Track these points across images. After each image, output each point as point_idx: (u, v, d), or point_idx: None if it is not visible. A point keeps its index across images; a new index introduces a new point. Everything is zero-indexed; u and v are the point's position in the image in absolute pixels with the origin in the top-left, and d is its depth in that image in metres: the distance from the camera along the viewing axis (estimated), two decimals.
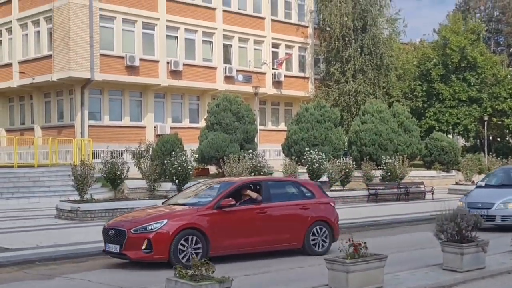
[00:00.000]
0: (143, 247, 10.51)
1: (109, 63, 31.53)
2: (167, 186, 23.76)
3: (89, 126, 31.27)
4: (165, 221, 10.79)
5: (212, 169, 30.18)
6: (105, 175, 22.14)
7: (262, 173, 25.96)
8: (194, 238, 10.82)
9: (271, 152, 37.88)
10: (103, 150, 29.37)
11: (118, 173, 21.92)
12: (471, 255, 9.97)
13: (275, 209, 12.13)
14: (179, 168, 23.07)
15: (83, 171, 19.54)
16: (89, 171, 19.72)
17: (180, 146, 26.35)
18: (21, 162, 28.25)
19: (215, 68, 36.28)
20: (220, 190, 11.96)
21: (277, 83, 39.25)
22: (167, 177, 23.85)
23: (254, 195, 11.99)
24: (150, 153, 27.09)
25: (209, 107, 30.80)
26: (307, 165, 27.74)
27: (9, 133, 34.88)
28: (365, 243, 8.69)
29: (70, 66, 30.08)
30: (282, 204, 12.40)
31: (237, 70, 37.09)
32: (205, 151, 28.69)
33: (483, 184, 18.57)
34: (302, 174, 28.42)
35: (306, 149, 28.94)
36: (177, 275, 6.85)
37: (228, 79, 36.61)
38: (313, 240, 12.35)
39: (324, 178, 28.04)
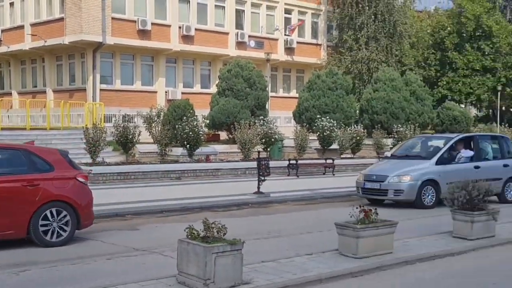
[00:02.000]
0: None
1: (121, 26, 31.38)
2: (178, 151, 23.86)
3: (101, 89, 31.25)
4: None
5: (223, 135, 30.22)
6: (116, 139, 22.25)
7: (273, 139, 26.04)
8: None
9: (282, 119, 37.82)
10: (115, 114, 29.42)
11: (130, 136, 22.02)
12: (481, 223, 10.01)
13: None
14: (190, 133, 23.10)
15: (95, 134, 19.68)
16: (101, 134, 19.86)
17: (191, 111, 26.33)
18: (33, 125, 28.36)
19: (227, 34, 36.02)
20: None
21: (289, 50, 38.97)
22: (178, 142, 23.92)
23: None
24: (161, 118, 27.11)
25: (220, 72, 30.72)
26: (318, 133, 27.80)
27: (21, 95, 34.95)
28: (375, 209, 8.74)
29: (82, 29, 29.95)
30: None
31: (249, 36, 36.82)
32: (216, 116, 28.71)
33: (389, 154, 17.23)
34: (313, 142, 28.48)
35: (317, 116, 28.95)
36: (189, 236, 6.92)
37: (240, 44, 36.38)
38: (45, 226, 9.49)
39: (334, 146, 28.14)
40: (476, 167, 15.46)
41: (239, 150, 25.48)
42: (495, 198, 15.15)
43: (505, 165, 16.42)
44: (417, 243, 9.64)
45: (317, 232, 11.23)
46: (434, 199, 14.82)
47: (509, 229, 11.05)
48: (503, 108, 47.91)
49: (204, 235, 6.88)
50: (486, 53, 42.98)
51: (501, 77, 43.09)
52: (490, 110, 48.99)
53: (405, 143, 17.89)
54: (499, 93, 43.08)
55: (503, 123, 42.12)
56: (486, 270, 8.38)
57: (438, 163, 15.13)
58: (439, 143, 16.25)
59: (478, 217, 9.94)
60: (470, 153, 15.93)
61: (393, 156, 16.58)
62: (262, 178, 16.07)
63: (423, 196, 14.70)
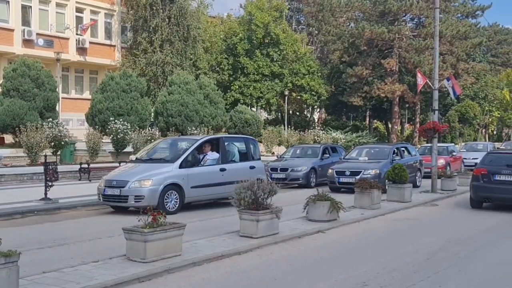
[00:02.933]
0: None
1: None
2: None
3: None
4: None
5: (9, 138, 28.27)
6: None
7: (63, 143, 24.96)
8: None
9: (74, 121, 36.43)
10: None
11: None
12: (265, 221, 10.45)
13: None
14: None
15: None
16: None
17: None
18: None
19: (12, 30, 33.75)
20: None
21: (81, 50, 37.63)
22: None
23: None
24: None
25: (5, 71, 28.77)
26: (112, 135, 27.20)
27: None
28: (164, 213, 8.71)
29: None
30: None
31: (38, 34, 34.89)
32: (0, 119, 26.77)
33: (134, 158, 16.08)
34: (107, 144, 27.81)
35: (111, 119, 28.30)
36: None
37: (27, 42, 34.32)
38: None
39: (129, 149, 27.77)
40: (222, 170, 15.26)
41: (26, 155, 23.99)
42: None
43: (252, 167, 16.21)
44: (206, 244, 9.78)
45: (107, 237, 10.90)
46: (178, 204, 14.17)
47: (290, 226, 11.72)
48: (291, 111, 51.12)
49: None
50: (275, 59, 45.58)
51: (287, 83, 45.98)
52: (279, 113, 51.99)
53: (152, 146, 16.82)
54: (286, 97, 45.92)
55: (290, 126, 44.92)
56: (269, 266, 8.75)
57: (182, 166, 14.44)
58: (185, 145, 15.56)
59: (263, 216, 10.37)
60: (215, 155, 15.54)
61: (137, 160, 15.81)
62: (50, 184, 15.27)
63: (165, 201, 13.88)
